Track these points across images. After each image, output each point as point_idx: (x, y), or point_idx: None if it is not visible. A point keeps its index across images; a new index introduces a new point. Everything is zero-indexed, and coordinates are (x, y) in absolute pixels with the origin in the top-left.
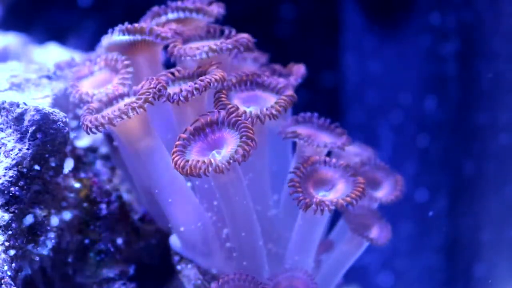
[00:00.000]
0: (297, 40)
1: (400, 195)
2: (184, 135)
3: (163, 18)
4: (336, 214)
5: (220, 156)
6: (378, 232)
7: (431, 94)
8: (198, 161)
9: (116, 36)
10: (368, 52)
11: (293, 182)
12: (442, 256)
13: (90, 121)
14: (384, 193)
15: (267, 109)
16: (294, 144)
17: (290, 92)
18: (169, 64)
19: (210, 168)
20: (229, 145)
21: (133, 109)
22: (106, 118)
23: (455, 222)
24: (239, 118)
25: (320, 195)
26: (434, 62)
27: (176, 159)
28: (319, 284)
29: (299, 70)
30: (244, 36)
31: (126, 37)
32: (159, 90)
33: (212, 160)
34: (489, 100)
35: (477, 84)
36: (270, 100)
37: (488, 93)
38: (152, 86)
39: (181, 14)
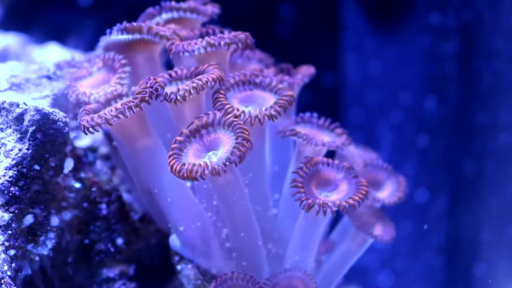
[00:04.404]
0: (297, 40)
1: (402, 197)
2: (180, 138)
3: (157, 19)
4: (337, 215)
5: (216, 158)
6: (382, 230)
7: (431, 94)
8: (194, 164)
9: (114, 36)
10: (368, 52)
11: (296, 182)
12: (442, 256)
13: (87, 121)
14: (387, 194)
15: (266, 110)
16: (295, 144)
17: (289, 92)
18: (169, 65)
19: (206, 171)
20: (225, 147)
21: (130, 108)
22: (103, 118)
23: (455, 222)
24: (235, 119)
25: (323, 195)
26: (434, 62)
27: (172, 163)
28: (321, 284)
29: (308, 70)
30: (243, 33)
31: (125, 36)
32: (156, 90)
33: (208, 163)
34: (489, 100)
35: (477, 84)
36: (269, 99)
37: (488, 93)
38: (148, 85)
39: (175, 14)
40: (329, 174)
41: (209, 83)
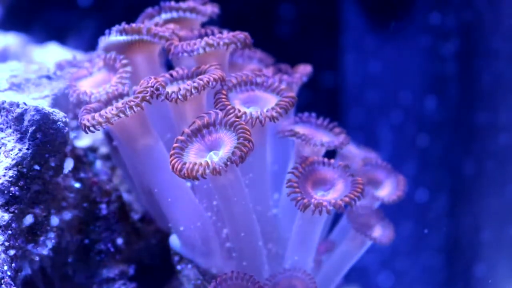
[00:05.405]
0: (297, 40)
1: (402, 195)
2: (181, 137)
3: (157, 19)
4: (337, 214)
5: (217, 158)
6: (381, 232)
7: (431, 94)
8: (195, 163)
9: (113, 37)
10: (368, 52)
11: (291, 183)
12: (442, 256)
13: (88, 120)
14: (386, 192)
15: (267, 111)
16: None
17: (291, 93)
18: (169, 65)
19: (207, 170)
20: (226, 146)
21: (130, 107)
22: (104, 116)
23: (455, 222)
24: (236, 119)
25: (319, 195)
26: (434, 62)
27: (173, 162)
28: (320, 284)
29: (305, 69)
30: (242, 33)
31: (124, 37)
32: (157, 89)
33: (209, 162)
34: (489, 100)
35: (477, 84)
36: (270, 100)
37: (488, 93)
38: (149, 85)
39: (175, 14)
40: (325, 174)
41: (210, 83)
